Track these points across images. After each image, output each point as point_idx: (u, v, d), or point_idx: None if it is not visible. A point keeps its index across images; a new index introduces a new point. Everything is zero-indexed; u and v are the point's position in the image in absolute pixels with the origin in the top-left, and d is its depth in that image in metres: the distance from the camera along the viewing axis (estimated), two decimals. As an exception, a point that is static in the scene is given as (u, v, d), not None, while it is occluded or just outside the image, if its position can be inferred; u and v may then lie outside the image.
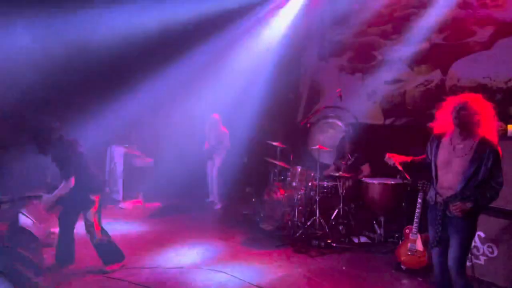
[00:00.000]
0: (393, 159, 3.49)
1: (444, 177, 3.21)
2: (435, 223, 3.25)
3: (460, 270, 3.15)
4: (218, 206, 7.35)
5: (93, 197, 4.35)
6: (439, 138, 3.29)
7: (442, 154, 3.23)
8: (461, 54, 5.84)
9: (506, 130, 4.08)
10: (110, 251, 4.41)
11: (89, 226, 4.34)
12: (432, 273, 3.71)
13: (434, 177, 3.30)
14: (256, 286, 4.06)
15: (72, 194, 4.17)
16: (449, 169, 3.18)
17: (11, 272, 3.46)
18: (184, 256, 4.88)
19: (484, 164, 3.03)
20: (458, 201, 3.11)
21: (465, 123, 3.08)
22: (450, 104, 3.16)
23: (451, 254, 3.17)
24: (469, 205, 3.06)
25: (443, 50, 6.09)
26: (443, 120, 3.22)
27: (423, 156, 3.45)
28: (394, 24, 6.83)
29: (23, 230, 4.55)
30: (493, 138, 3.07)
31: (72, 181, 4.13)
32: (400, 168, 3.48)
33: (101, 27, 6.97)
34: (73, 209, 4.38)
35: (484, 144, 3.05)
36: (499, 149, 3.04)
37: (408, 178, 3.65)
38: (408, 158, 3.53)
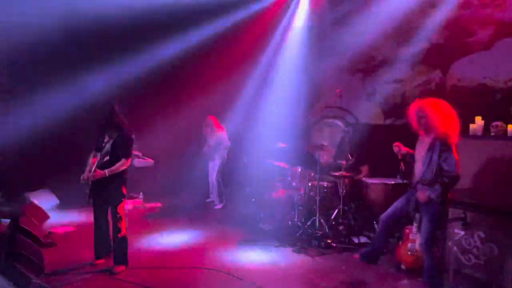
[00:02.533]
0: (397, 148, 4.13)
1: (417, 167, 3.88)
2: (407, 196, 4.06)
3: (426, 245, 3.84)
4: (218, 206, 7.34)
5: (124, 190, 4.44)
6: (420, 136, 3.93)
7: (417, 148, 3.91)
8: (461, 54, 5.84)
9: (506, 130, 4.07)
10: (125, 251, 4.43)
11: (117, 220, 4.36)
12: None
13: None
14: (256, 286, 4.06)
15: (111, 183, 4.32)
16: (419, 160, 3.84)
17: (11, 272, 3.46)
18: (184, 256, 4.88)
19: (434, 153, 3.65)
20: (420, 186, 3.81)
21: (425, 124, 3.72)
22: (412, 110, 3.83)
23: (421, 233, 3.87)
24: (427, 192, 3.76)
25: (443, 50, 6.08)
26: (413, 124, 3.88)
27: None
28: (394, 24, 6.83)
29: (23, 230, 4.54)
30: (450, 133, 3.62)
31: (129, 161, 4.39)
32: (399, 156, 4.07)
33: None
34: (106, 200, 4.43)
35: (437, 137, 3.65)
36: (450, 141, 3.60)
37: (403, 168, 4.26)
38: (412, 151, 4.10)
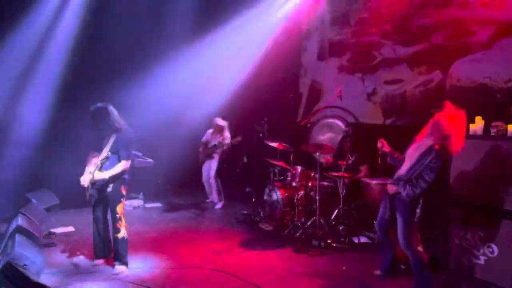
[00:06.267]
0: (380, 144, 4.21)
1: (404, 166, 3.91)
2: (386, 200, 4.09)
3: (404, 243, 3.88)
4: (218, 206, 7.34)
5: (124, 191, 4.42)
6: (415, 139, 3.98)
7: (410, 149, 3.95)
8: (461, 54, 5.84)
9: (506, 130, 4.07)
10: (125, 251, 4.42)
11: (117, 220, 4.35)
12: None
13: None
14: (256, 286, 4.06)
15: (111, 183, 4.30)
16: (408, 160, 3.90)
17: (11, 272, 3.46)
18: (184, 256, 4.88)
19: (427, 159, 3.72)
20: (392, 180, 3.95)
21: (439, 135, 3.72)
22: (435, 119, 3.82)
23: (397, 232, 3.91)
24: (395, 187, 3.87)
25: (443, 50, 6.08)
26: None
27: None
28: (394, 24, 6.83)
29: (23, 230, 4.54)
30: (452, 145, 3.69)
31: (129, 163, 4.36)
32: (380, 152, 4.22)
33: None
34: (105, 201, 4.41)
35: (441, 147, 3.72)
36: (448, 154, 3.76)
37: (379, 163, 4.31)
38: (394, 152, 4.19)
